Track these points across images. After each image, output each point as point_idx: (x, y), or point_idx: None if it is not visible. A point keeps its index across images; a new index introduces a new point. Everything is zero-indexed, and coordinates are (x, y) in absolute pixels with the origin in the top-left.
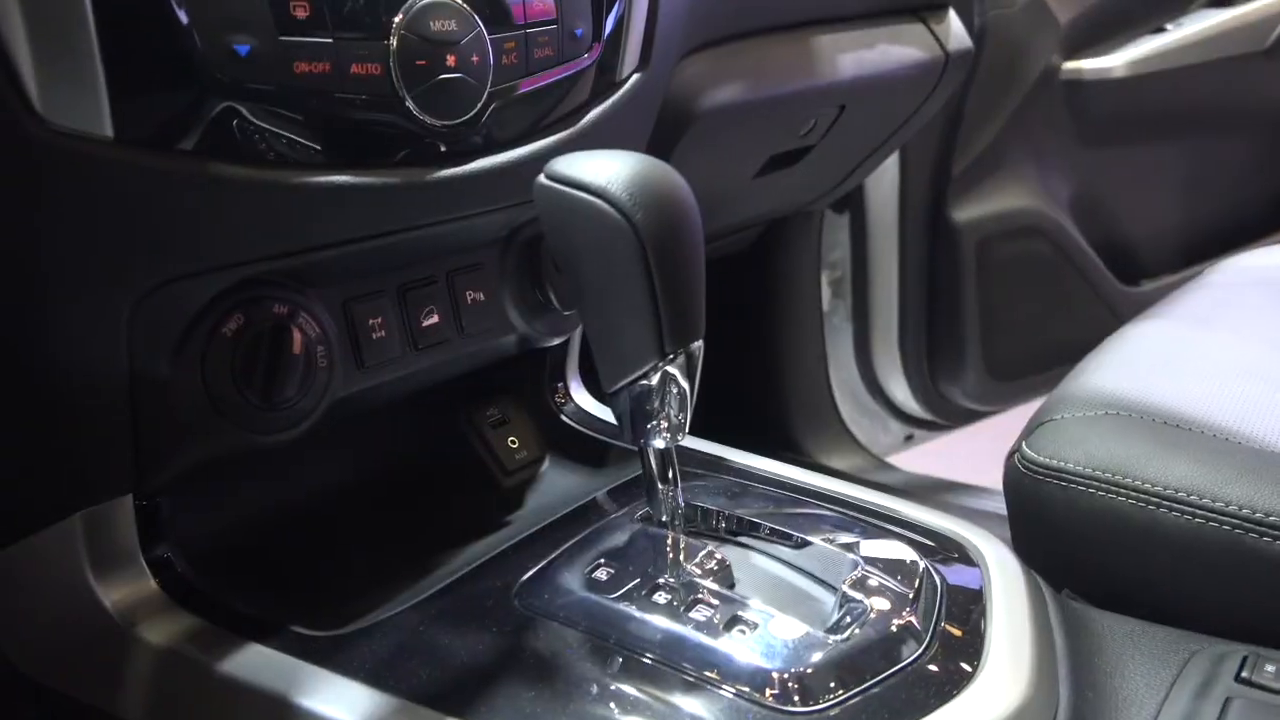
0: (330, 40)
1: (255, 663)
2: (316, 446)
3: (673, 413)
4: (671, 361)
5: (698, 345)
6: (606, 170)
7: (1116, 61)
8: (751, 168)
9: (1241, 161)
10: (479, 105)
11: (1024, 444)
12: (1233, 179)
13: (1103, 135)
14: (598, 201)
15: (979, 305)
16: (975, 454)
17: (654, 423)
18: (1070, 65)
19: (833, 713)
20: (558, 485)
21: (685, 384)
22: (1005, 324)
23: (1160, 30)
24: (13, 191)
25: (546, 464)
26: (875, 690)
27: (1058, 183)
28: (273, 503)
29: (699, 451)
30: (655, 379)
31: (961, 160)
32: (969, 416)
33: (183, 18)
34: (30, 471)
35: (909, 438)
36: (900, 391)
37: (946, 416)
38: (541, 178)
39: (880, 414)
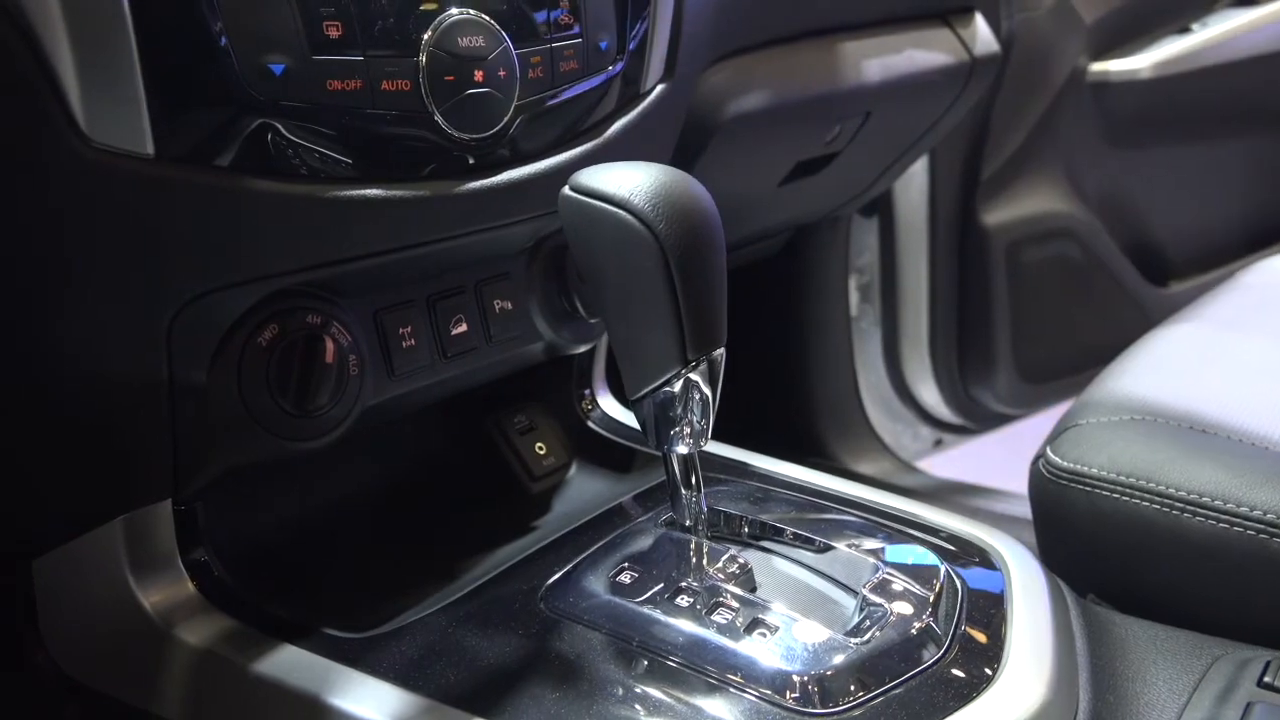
0: (361, 58)
1: (288, 663)
2: (349, 453)
3: (695, 419)
4: (694, 369)
5: (719, 353)
6: (629, 182)
7: (1143, 62)
8: (777, 175)
9: (1270, 160)
10: (506, 119)
11: (1048, 449)
12: (1262, 178)
13: (1131, 136)
14: (620, 213)
15: (1009, 308)
16: (1008, 457)
17: (677, 429)
18: (1097, 67)
19: (853, 715)
20: (584, 490)
21: (708, 391)
22: (1036, 326)
23: (1186, 30)
24: (59, 206)
25: (573, 469)
26: (895, 692)
27: (1086, 184)
28: (307, 508)
29: (723, 457)
30: (678, 386)
31: (991, 163)
32: (999, 420)
33: (221, 39)
34: (73, 477)
35: (938, 442)
36: (930, 395)
37: (977, 420)
38: (566, 189)
39: (909, 418)
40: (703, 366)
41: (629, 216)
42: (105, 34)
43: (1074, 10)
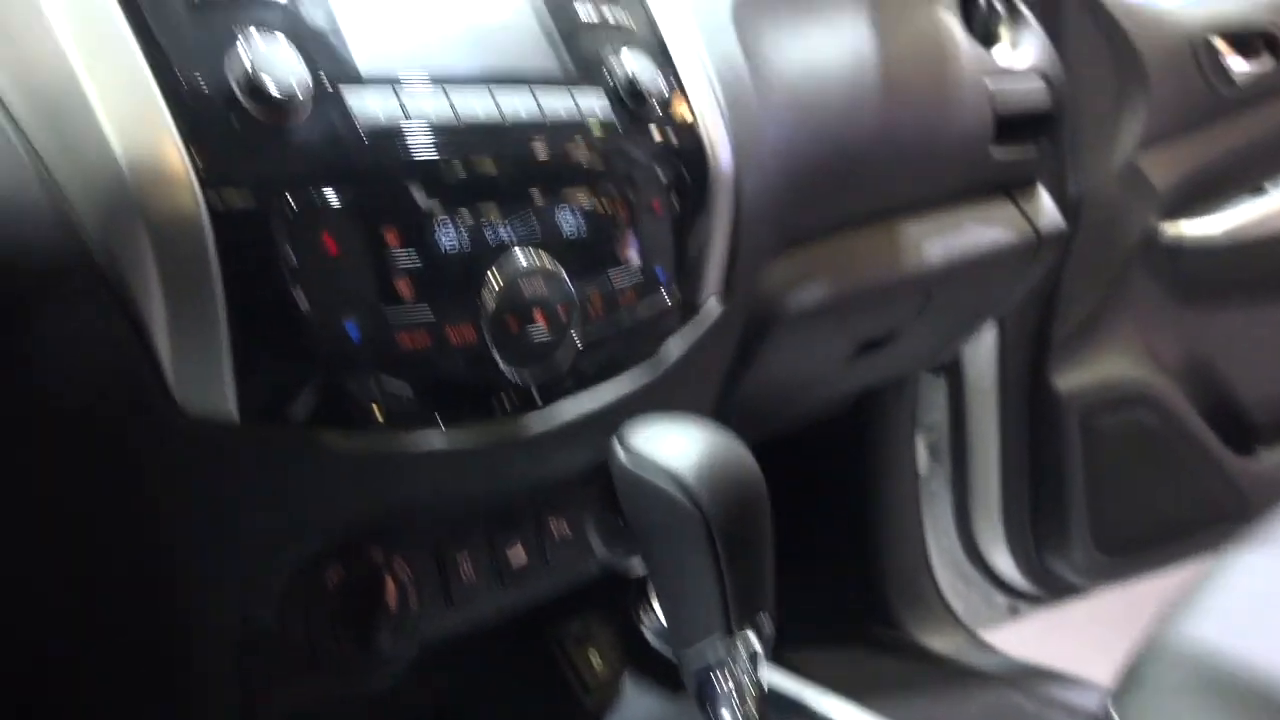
0: (430, 313)
1: None
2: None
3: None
4: (739, 636)
5: (764, 616)
6: (676, 449)
7: (1217, 226)
8: (841, 356)
9: None
10: (564, 355)
11: (1112, 709)
12: None
13: (1208, 298)
14: (667, 487)
15: (1085, 476)
16: (1091, 626)
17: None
18: (1170, 230)
19: None
20: (639, 704)
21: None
22: (1113, 496)
23: (1260, 190)
24: (153, 476)
25: (627, 681)
26: None
27: (1163, 349)
28: None
29: (781, 692)
30: (722, 652)
31: (1062, 327)
32: (1077, 591)
33: (302, 305)
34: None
35: (1014, 610)
36: (1003, 562)
37: (1053, 591)
38: (615, 445)
39: (982, 584)
40: (748, 633)
41: (675, 491)
42: (200, 309)
43: (1144, 176)
